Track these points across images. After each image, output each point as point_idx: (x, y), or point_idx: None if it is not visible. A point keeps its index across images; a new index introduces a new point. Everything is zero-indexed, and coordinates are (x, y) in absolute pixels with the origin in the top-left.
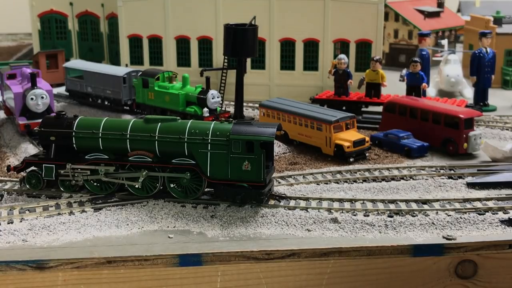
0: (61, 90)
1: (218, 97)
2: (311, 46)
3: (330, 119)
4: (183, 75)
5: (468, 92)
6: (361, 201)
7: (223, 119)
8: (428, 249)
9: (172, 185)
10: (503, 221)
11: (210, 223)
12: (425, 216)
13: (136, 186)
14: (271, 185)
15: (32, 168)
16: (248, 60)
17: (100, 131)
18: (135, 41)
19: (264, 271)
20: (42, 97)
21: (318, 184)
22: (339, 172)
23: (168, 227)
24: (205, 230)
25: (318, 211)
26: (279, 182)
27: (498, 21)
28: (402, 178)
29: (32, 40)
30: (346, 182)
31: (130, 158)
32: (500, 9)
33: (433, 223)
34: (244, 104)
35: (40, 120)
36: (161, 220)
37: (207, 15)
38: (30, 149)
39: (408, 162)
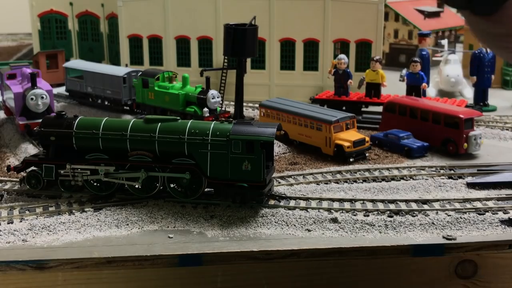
0: (61, 90)
1: (218, 97)
2: (311, 46)
3: (330, 119)
4: (183, 75)
5: (468, 92)
6: (361, 201)
7: (223, 119)
8: (428, 249)
9: (172, 185)
10: (503, 221)
11: (210, 223)
12: (425, 216)
13: (136, 186)
14: (271, 185)
15: (32, 168)
16: (248, 60)
17: (100, 131)
18: (135, 41)
19: (264, 271)
20: (42, 97)
21: (318, 184)
22: (339, 172)
23: (168, 227)
24: (205, 230)
25: (318, 211)
26: (279, 182)
27: None
28: (402, 178)
29: (32, 40)
30: (346, 182)
31: (130, 158)
32: None
33: (433, 223)
34: (244, 104)
35: (40, 120)
36: (161, 220)
37: (207, 15)
38: (30, 149)
39: (408, 162)
